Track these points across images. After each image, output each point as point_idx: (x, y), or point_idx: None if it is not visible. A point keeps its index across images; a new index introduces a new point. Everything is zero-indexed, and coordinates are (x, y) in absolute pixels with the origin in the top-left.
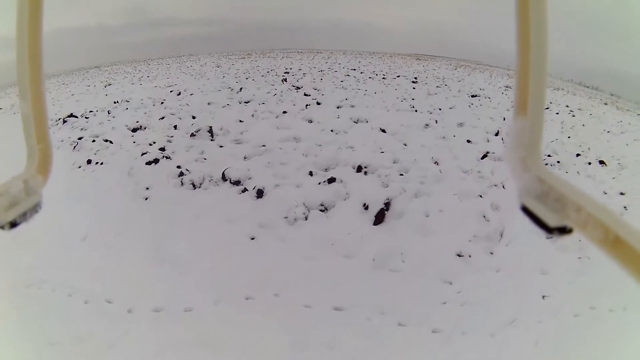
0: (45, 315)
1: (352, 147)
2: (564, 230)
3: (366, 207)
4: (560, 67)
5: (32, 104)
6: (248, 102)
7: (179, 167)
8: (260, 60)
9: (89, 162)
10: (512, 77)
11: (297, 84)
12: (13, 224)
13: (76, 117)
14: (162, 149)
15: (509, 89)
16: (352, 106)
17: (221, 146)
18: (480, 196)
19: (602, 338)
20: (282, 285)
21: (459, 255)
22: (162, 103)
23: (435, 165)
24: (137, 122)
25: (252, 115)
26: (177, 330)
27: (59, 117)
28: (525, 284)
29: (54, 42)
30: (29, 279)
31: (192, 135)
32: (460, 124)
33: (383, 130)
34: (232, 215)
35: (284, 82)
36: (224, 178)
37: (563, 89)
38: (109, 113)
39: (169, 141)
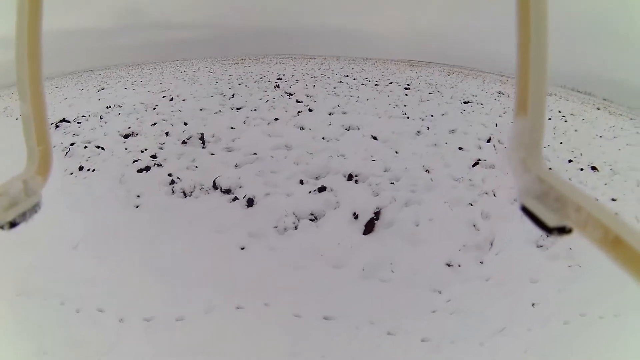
0: (38, 324)
1: (343, 155)
2: (563, 230)
3: (356, 217)
4: (551, 72)
5: (32, 105)
6: (240, 108)
7: (170, 175)
8: (253, 66)
9: (80, 168)
10: (504, 83)
11: (289, 91)
12: (12, 224)
13: (69, 122)
14: (154, 156)
15: (501, 95)
16: (344, 113)
17: (212, 154)
18: (471, 204)
19: (592, 345)
20: (272, 294)
21: (449, 265)
22: (154, 109)
23: (427, 173)
24: (129, 128)
25: (244, 122)
26: (168, 339)
27: (51, 121)
28: (515, 293)
29: (48, 44)
30: (21, 287)
31: (184, 142)
32: (452, 131)
33: (375, 138)
34: (222, 225)
35: (277, 88)
36: (214, 186)
37: (555, 94)
38: (101, 118)
39: (161, 148)
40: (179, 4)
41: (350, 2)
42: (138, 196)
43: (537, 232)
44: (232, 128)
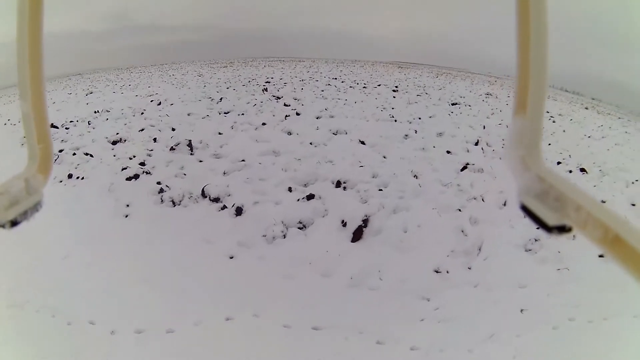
0: (30, 337)
1: (331, 161)
2: (563, 229)
3: (344, 224)
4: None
5: (33, 104)
6: (228, 112)
7: (159, 183)
8: (242, 69)
9: (69, 176)
10: (493, 84)
11: (277, 94)
12: (14, 223)
13: (57, 127)
14: (142, 164)
15: (489, 96)
16: (332, 116)
17: (200, 161)
18: (459, 210)
19: (581, 350)
20: (262, 305)
21: (437, 271)
22: (142, 113)
23: (415, 179)
24: (117, 133)
25: (232, 127)
26: (160, 351)
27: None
28: (504, 298)
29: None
30: (11, 300)
31: (172, 149)
32: (440, 134)
33: (362, 142)
34: (211, 234)
35: (265, 92)
36: (203, 195)
37: None
38: (89, 124)
39: (149, 155)
40: (169, 8)
41: (340, 5)
42: (127, 205)
43: (526, 236)
44: (219, 133)
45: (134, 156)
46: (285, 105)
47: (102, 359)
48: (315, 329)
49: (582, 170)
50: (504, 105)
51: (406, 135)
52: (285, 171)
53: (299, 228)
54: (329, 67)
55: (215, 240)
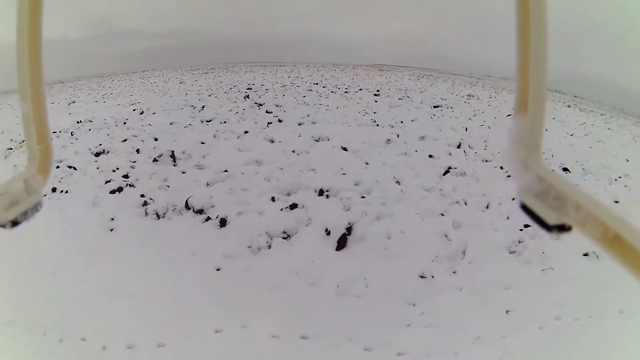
0: (23, 355)
1: (313, 170)
2: (563, 228)
3: (328, 233)
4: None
5: (32, 105)
6: (210, 121)
7: (142, 195)
8: (223, 75)
9: (53, 190)
10: (474, 85)
11: (259, 101)
12: (14, 223)
13: None
14: (126, 176)
15: (471, 97)
16: (314, 123)
17: (184, 172)
18: (442, 215)
19: (568, 348)
20: (250, 316)
21: (422, 277)
22: (124, 123)
23: (397, 184)
24: (100, 145)
25: (214, 136)
26: None
27: (22, 139)
28: (489, 301)
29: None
30: (2, 317)
31: (155, 160)
32: (422, 138)
33: (344, 149)
34: (197, 246)
35: (247, 98)
36: (187, 207)
37: None
38: (72, 135)
39: (132, 167)
40: (150, 14)
41: (320, 10)
42: (112, 219)
43: (510, 238)
44: (202, 143)
45: (117, 168)
46: (267, 112)
47: None
48: (303, 337)
49: (565, 169)
50: (486, 107)
51: (388, 140)
52: (268, 181)
53: (284, 238)
54: (310, 71)
55: (201, 252)
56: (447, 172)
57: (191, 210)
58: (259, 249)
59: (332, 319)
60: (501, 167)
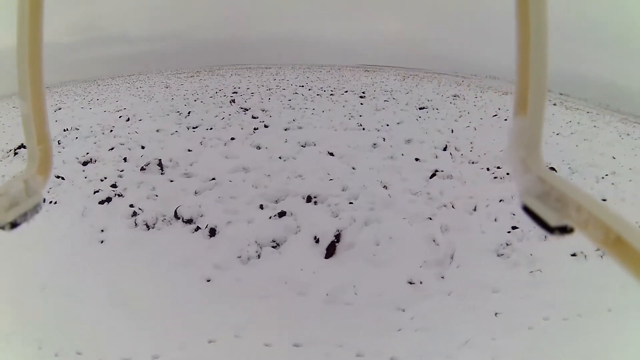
0: None
1: (301, 176)
2: (564, 230)
3: (317, 240)
4: (507, 69)
5: (32, 105)
6: (196, 127)
7: (131, 205)
8: (209, 79)
9: (42, 201)
10: (460, 85)
11: (245, 105)
12: (14, 224)
13: (25, 147)
14: (114, 186)
15: (457, 98)
16: (300, 127)
17: (171, 180)
18: (430, 219)
19: (557, 347)
20: (242, 326)
21: (411, 283)
22: (111, 131)
23: (384, 189)
24: (87, 153)
25: (201, 143)
26: None
27: (10, 147)
28: (478, 304)
29: (3, 61)
30: None
31: (142, 169)
32: (408, 141)
33: (331, 154)
34: (187, 257)
35: (232, 103)
36: (176, 216)
37: (511, 93)
38: (59, 143)
39: (120, 176)
40: (134, 19)
41: (305, 10)
42: (102, 230)
43: (497, 241)
44: (189, 150)
45: (105, 177)
46: (253, 117)
47: None
48: (296, 345)
49: (551, 169)
50: (472, 107)
51: (374, 144)
52: (256, 188)
53: (273, 247)
54: (296, 73)
55: (192, 263)
56: (433, 175)
57: (180, 220)
58: (248, 258)
59: (323, 327)
60: (487, 169)
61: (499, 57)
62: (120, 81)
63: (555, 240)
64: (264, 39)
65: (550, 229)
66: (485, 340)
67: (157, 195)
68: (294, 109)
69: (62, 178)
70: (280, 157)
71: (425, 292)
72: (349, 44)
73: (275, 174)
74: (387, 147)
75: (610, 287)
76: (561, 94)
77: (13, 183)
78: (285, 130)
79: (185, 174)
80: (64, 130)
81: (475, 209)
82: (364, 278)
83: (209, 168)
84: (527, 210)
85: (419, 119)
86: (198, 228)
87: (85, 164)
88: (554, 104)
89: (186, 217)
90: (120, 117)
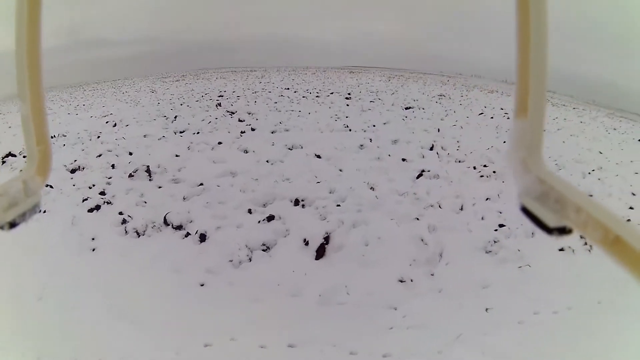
0: None
1: (288, 179)
2: (563, 231)
3: (307, 243)
4: (492, 67)
5: (31, 106)
6: (183, 132)
7: (121, 213)
8: (194, 83)
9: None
10: (445, 84)
11: (231, 109)
12: (12, 225)
13: (15, 155)
14: (103, 193)
15: (442, 97)
16: (287, 130)
17: (160, 187)
18: (417, 219)
19: (547, 339)
20: (237, 329)
21: (401, 281)
22: (98, 137)
23: (371, 190)
24: (75, 161)
25: (188, 148)
26: None
27: None
28: (468, 300)
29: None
30: None
31: (130, 175)
32: (395, 141)
33: (318, 156)
34: (179, 263)
35: (218, 107)
36: (166, 223)
37: (497, 91)
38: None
39: (108, 183)
40: (119, 23)
41: (289, 13)
42: (93, 239)
43: (485, 238)
44: (176, 156)
45: (94, 185)
46: (239, 120)
47: None
48: (291, 346)
49: None
50: (457, 106)
51: (361, 145)
52: (244, 192)
53: (263, 250)
54: (281, 75)
55: (184, 269)
56: (420, 175)
57: (170, 226)
58: (240, 262)
59: (317, 327)
60: (474, 168)
61: (485, 57)
62: (105, 86)
63: (554, 240)
64: (249, 41)
65: (549, 230)
66: (476, 335)
67: (146, 202)
68: (280, 111)
69: (51, 186)
70: (267, 161)
71: (415, 290)
72: (334, 45)
73: (263, 177)
74: (373, 148)
75: (599, 280)
76: (548, 91)
77: (12, 183)
78: (272, 133)
79: (173, 179)
80: (52, 137)
81: (462, 208)
82: (354, 278)
83: (196, 173)
84: (525, 211)
85: (405, 119)
86: (188, 234)
87: (73, 171)
88: None
89: (176, 223)
90: (107, 122)
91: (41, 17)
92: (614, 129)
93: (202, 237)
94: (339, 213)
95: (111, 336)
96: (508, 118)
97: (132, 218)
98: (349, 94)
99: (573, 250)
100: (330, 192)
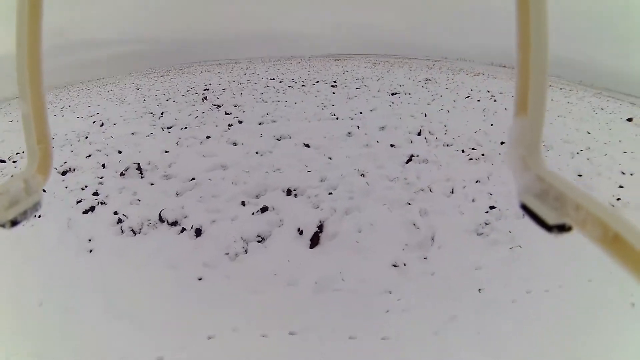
0: None
1: (279, 170)
2: (563, 228)
3: (301, 232)
4: (478, 50)
5: (32, 104)
6: (171, 127)
7: (115, 213)
8: (179, 78)
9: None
10: (431, 68)
11: (217, 102)
12: (14, 223)
13: (4, 161)
14: (96, 194)
15: (429, 81)
16: (274, 121)
17: (152, 184)
18: (409, 203)
19: (540, 315)
20: (238, 320)
21: (395, 266)
22: (86, 137)
23: (362, 177)
24: (65, 162)
25: (177, 143)
26: None
27: None
28: (461, 282)
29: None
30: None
31: (122, 174)
32: (382, 128)
33: (307, 145)
34: (176, 259)
35: (204, 100)
36: (161, 219)
37: (483, 74)
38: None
39: (100, 183)
40: (101, 23)
41: (273, 2)
42: (89, 240)
43: (476, 221)
44: (166, 152)
45: (86, 186)
46: (226, 113)
47: None
48: (291, 334)
49: None
50: (444, 90)
51: (349, 133)
52: (236, 185)
53: (258, 241)
54: (266, 66)
55: (181, 264)
56: (409, 160)
57: (165, 222)
58: (236, 254)
59: (315, 314)
60: (462, 151)
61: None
62: (90, 85)
63: (554, 238)
64: (233, 33)
65: (548, 228)
66: (470, 315)
67: (139, 200)
68: (266, 102)
69: (44, 190)
70: (257, 152)
71: (409, 274)
72: (317, 34)
73: (254, 169)
74: (361, 135)
75: (590, 258)
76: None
77: (13, 182)
78: (260, 124)
79: (164, 176)
80: None
81: (452, 192)
82: (349, 265)
83: (187, 168)
84: (525, 208)
85: (391, 104)
86: (184, 229)
87: (64, 173)
88: None
89: (171, 219)
90: (94, 122)
91: (42, 18)
92: (601, 109)
93: (198, 232)
94: (331, 201)
95: (112, 336)
96: (495, 100)
97: (127, 217)
98: (334, 82)
99: None
100: (321, 181)
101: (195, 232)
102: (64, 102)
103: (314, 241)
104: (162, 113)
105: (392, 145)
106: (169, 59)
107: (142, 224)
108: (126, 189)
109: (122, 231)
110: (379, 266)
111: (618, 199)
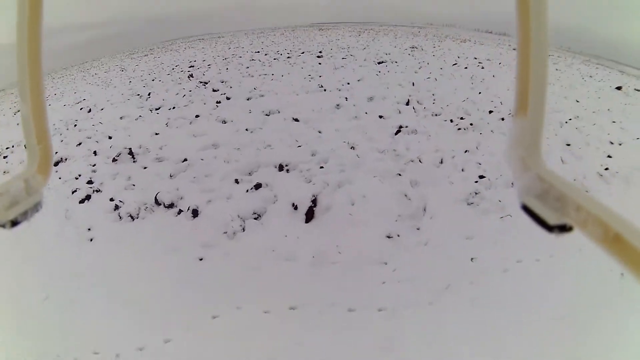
0: None
1: (269, 146)
2: (564, 229)
3: (295, 207)
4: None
5: (32, 104)
6: (159, 108)
7: (111, 199)
8: (163, 56)
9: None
10: (417, 35)
11: (203, 79)
12: (14, 223)
13: None
14: (90, 182)
15: (415, 49)
16: (262, 95)
17: (145, 167)
18: (399, 174)
19: (531, 285)
20: (240, 298)
21: (389, 237)
22: (75, 125)
23: (352, 150)
24: (57, 153)
25: (166, 124)
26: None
27: None
28: (454, 251)
29: None
30: (12, 352)
31: (114, 160)
32: (371, 98)
33: (296, 120)
34: (176, 241)
35: (191, 78)
36: (157, 203)
37: (470, 40)
38: (25, 147)
39: (94, 171)
40: (77, 7)
41: None
42: (89, 229)
43: (466, 191)
44: (156, 134)
45: (80, 175)
46: (213, 90)
47: None
48: (292, 308)
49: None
50: (431, 57)
51: (337, 105)
52: (228, 163)
53: (255, 219)
54: (250, 39)
55: (181, 246)
56: (398, 131)
57: (162, 205)
58: (234, 233)
59: (314, 288)
60: (451, 121)
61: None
62: (74, 71)
63: (555, 238)
64: (213, 8)
65: (549, 228)
66: (464, 284)
67: (134, 185)
68: (253, 76)
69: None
70: (246, 129)
71: (403, 245)
72: (300, 2)
73: (245, 146)
74: (350, 106)
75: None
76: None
77: (13, 182)
78: (248, 100)
79: (157, 158)
80: None
81: (442, 162)
82: (344, 237)
83: (179, 149)
84: (526, 209)
85: (378, 74)
86: (180, 211)
87: (56, 164)
88: (514, 49)
89: (167, 202)
90: (81, 109)
91: (42, 16)
92: (590, 77)
93: (195, 213)
94: (323, 175)
95: (118, 324)
96: (482, 68)
97: (123, 203)
98: (320, 52)
99: None
100: (312, 155)
101: (192, 213)
102: (49, 90)
103: (309, 216)
104: (149, 94)
105: (380, 117)
106: (151, 37)
107: (139, 208)
108: (120, 175)
109: (120, 217)
110: (374, 238)
111: (606, 169)
